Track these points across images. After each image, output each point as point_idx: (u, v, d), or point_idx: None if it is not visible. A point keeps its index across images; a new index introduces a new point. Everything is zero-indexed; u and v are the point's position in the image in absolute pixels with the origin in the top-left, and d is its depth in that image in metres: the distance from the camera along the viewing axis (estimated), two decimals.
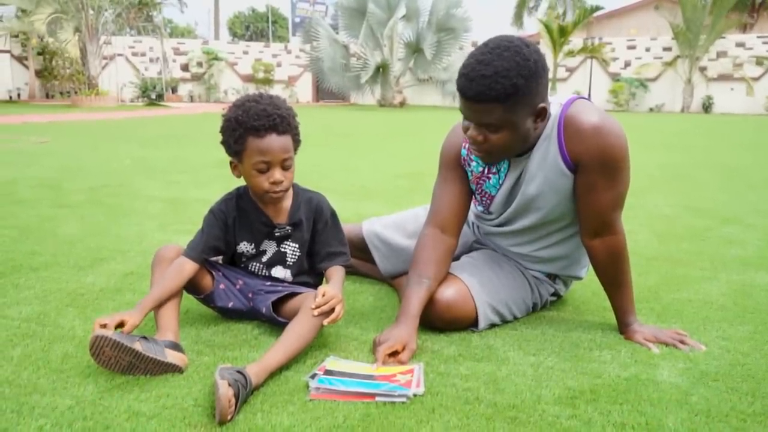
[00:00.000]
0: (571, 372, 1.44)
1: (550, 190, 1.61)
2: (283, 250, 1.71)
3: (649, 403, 1.30)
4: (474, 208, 1.88)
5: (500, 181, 1.69)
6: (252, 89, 23.65)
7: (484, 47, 1.46)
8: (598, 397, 1.32)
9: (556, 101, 1.59)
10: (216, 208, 1.69)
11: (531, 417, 1.23)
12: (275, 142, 1.53)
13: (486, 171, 1.70)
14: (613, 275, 1.67)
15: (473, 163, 1.71)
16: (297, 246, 1.71)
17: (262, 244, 1.70)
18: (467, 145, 1.70)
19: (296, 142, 1.61)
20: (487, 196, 1.74)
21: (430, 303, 1.64)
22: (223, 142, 1.60)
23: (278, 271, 1.72)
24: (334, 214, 1.72)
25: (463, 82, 1.46)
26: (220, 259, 1.78)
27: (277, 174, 1.55)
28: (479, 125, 1.50)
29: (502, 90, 1.41)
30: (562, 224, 1.71)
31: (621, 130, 1.55)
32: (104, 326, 1.36)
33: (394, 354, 1.47)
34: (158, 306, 1.51)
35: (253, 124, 1.52)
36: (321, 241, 1.70)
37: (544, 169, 1.59)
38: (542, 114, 1.51)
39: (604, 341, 1.63)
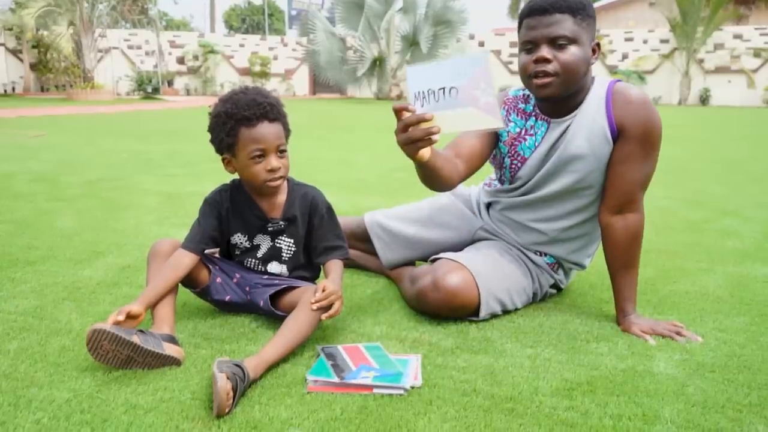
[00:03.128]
0: (568, 364, 1.45)
1: (591, 153, 1.64)
2: (278, 245, 1.70)
3: (646, 395, 1.30)
4: (488, 188, 1.91)
5: (536, 143, 1.72)
6: (249, 82, 23.60)
7: None
8: (595, 388, 1.32)
9: (598, 81, 1.67)
10: (210, 198, 1.68)
11: (528, 409, 1.24)
12: (268, 129, 1.53)
13: (523, 132, 1.73)
14: (625, 256, 1.68)
15: (511, 124, 1.75)
16: (292, 241, 1.70)
17: (256, 238, 1.70)
18: (508, 100, 1.77)
19: (286, 131, 1.61)
20: (519, 158, 1.76)
21: (436, 290, 1.65)
22: (213, 140, 1.60)
23: (274, 267, 1.72)
24: (330, 209, 1.72)
25: None
26: (217, 252, 1.78)
27: (274, 161, 1.55)
28: (550, 41, 1.54)
29: (574, 1, 1.52)
30: (584, 200, 1.72)
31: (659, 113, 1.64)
32: (119, 322, 1.35)
33: None
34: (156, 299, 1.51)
35: (244, 114, 1.51)
36: (318, 236, 1.69)
37: (590, 133, 1.63)
38: (597, 49, 1.61)
39: (601, 333, 1.64)
